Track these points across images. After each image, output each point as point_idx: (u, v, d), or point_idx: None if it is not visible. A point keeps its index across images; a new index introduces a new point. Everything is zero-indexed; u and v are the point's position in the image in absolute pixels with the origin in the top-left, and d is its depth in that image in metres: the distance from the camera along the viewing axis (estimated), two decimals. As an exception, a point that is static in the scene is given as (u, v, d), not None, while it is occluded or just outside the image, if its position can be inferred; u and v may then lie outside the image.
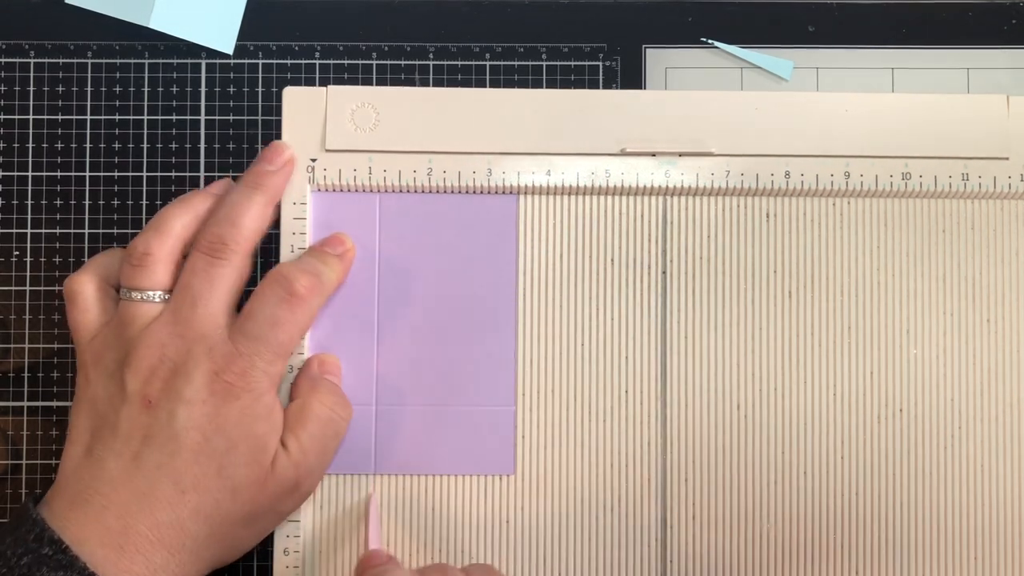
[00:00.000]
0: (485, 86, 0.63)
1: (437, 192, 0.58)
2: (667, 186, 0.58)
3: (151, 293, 0.54)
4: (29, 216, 0.62)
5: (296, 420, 0.55)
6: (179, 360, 0.52)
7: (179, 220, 0.55)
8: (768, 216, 0.58)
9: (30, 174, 0.62)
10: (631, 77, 0.64)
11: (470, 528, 0.57)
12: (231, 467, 0.52)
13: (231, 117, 0.63)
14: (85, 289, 0.55)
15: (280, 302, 0.54)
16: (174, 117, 0.63)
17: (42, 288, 0.62)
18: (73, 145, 0.63)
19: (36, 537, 0.49)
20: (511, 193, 0.58)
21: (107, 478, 0.51)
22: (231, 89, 0.63)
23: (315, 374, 0.57)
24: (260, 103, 0.63)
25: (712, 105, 0.58)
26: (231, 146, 0.63)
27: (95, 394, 0.54)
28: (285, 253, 0.57)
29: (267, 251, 0.61)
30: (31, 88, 0.63)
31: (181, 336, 0.53)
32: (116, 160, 0.63)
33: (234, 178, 0.60)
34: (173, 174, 0.63)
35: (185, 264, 0.55)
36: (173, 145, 0.63)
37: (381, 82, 0.63)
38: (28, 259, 0.62)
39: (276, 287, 0.54)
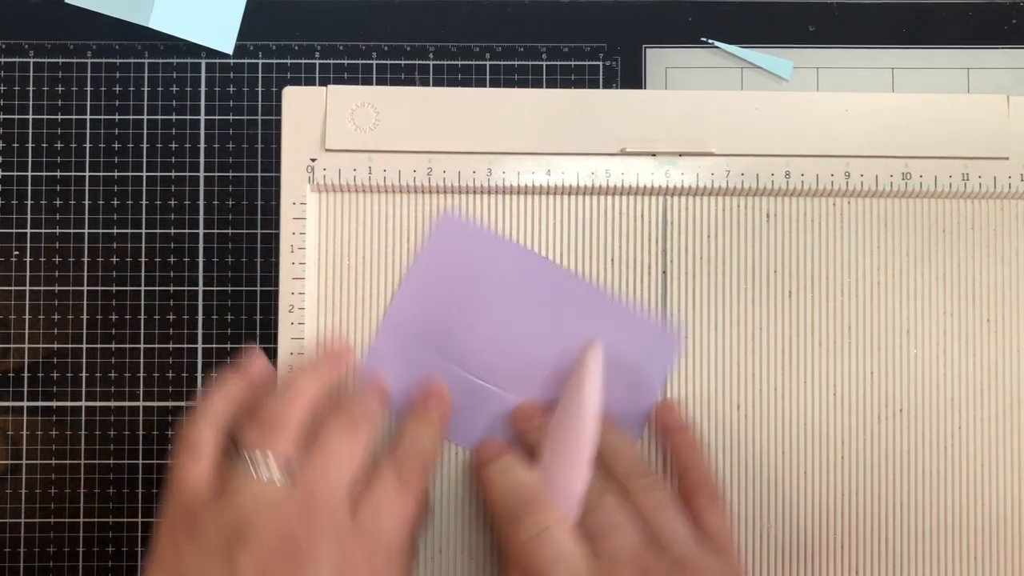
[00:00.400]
0: (485, 86, 0.63)
1: (437, 192, 0.58)
2: (667, 186, 0.57)
3: (277, 459, 0.49)
4: (29, 216, 0.62)
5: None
6: (306, 544, 0.47)
7: (311, 388, 0.53)
8: (768, 216, 0.58)
9: (30, 174, 0.63)
10: (631, 77, 0.64)
11: (469, 526, 0.57)
12: None
13: (231, 117, 0.63)
14: (206, 439, 0.50)
15: (394, 487, 0.51)
16: (174, 117, 0.63)
17: (42, 288, 0.62)
18: (73, 145, 0.63)
19: None
20: (513, 193, 0.58)
21: None
22: (231, 89, 0.63)
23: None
24: (260, 103, 0.63)
25: (712, 105, 0.58)
26: (231, 146, 0.63)
27: (189, 568, 0.47)
28: (284, 252, 0.57)
29: (267, 251, 0.61)
30: (31, 88, 0.63)
31: (310, 517, 0.48)
32: (116, 160, 0.63)
33: (235, 180, 0.60)
34: (173, 174, 0.63)
35: (326, 429, 0.51)
36: (173, 145, 0.63)
37: (381, 82, 0.63)
38: (28, 259, 0.62)
39: (388, 470, 0.52)
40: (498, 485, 0.52)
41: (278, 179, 0.57)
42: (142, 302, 0.62)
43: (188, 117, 0.63)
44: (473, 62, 0.64)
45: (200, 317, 0.62)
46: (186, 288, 0.62)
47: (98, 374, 0.62)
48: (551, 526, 0.49)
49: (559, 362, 0.57)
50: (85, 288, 0.62)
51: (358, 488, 0.51)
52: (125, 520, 0.62)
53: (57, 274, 0.62)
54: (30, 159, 0.63)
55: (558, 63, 0.64)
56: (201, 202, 0.63)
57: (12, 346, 0.62)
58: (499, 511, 0.52)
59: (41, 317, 0.62)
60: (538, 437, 0.54)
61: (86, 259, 0.62)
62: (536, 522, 0.49)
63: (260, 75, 0.63)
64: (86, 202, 0.62)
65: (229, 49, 0.63)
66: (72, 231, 0.62)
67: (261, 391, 0.53)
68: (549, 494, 0.51)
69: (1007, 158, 0.58)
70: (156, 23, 0.61)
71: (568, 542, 0.49)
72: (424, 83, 0.64)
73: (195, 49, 0.63)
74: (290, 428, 0.50)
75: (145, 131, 0.63)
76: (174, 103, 0.63)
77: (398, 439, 0.54)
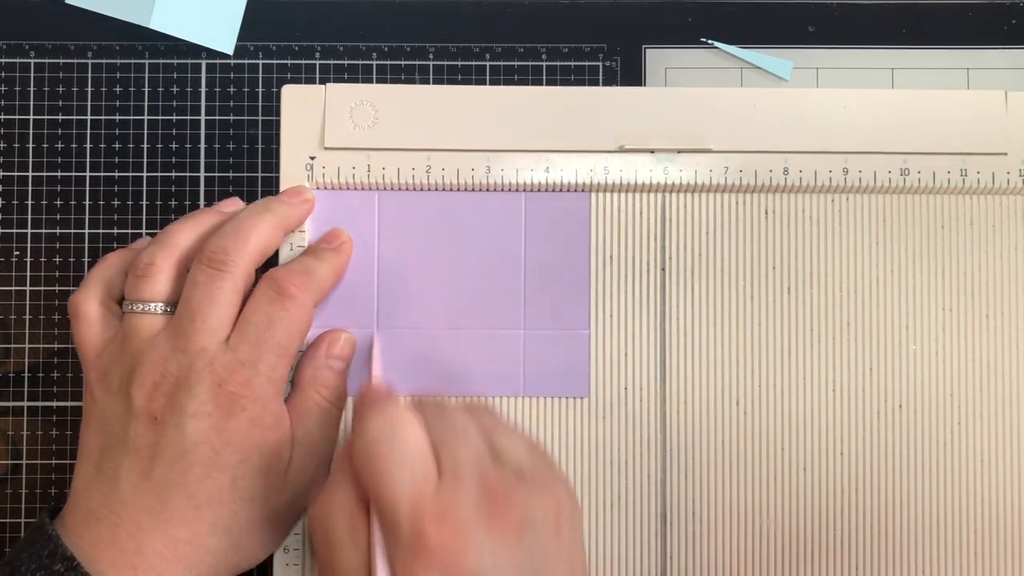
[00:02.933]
0: (485, 86, 0.63)
1: (436, 190, 0.58)
2: (666, 183, 0.57)
3: (154, 305, 0.53)
4: (29, 216, 0.62)
5: (298, 414, 0.54)
6: (181, 374, 0.51)
7: (184, 234, 0.54)
8: (767, 212, 0.58)
9: (30, 174, 0.63)
10: (631, 77, 0.64)
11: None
12: (245, 478, 0.51)
13: (231, 117, 0.63)
14: (89, 305, 0.54)
15: (272, 303, 0.53)
16: (174, 117, 0.63)
17: (42, 288, 0.62)
18: (73, 145, 0.63)
19: (50, 553, 0.48)
20: (515, 191, 0.58)
21: (119, 496, 0.50)
22: (231, 89, 0.63)
23: (319, 361, 0.56)
24: (260, 103, 0.63)
25: (710, 101, 0.58)
26: (231, 146, 0.63)
27: (103, 411, 0.52)
28: (284, 252, 0.57)
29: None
30: (31, 88, 0.63)
31: (182, 350, 0.51)
32: (116, 160, 0.63)
33: (235, 181, 0.60)
34: (173, 174, 0.63)
35: (188, 277, 0.53)
36: (173, 145, 0.63)
37: (381, 82, 0.64)
38: (28, 259, 0.62)
39: (268, 289, 0.53)
40: (364, 406, 0.50)
41: (278, 179, 0.58)
42: (142, 302, 0.62)
43: (188, 117, 0.63)
44: (473, 62, 0.64)
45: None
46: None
47: (98, 374, 0.62)
48: (399, 422, 0.46)
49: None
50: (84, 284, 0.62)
51: (233, 311, 0.53)
52: (125, 520, 0.62)
53: (57, 274, 0.62)
54: (30, 159, 0.63)
55: (558, 63, 0.64)
56: (201, 202, 0.63)
57: (12, 346, 0.62)
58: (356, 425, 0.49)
59: (41, 317, 0.62)
60: None
61: (86, 259, 0.62)
62: (384, 416, 0.46)
63: (260, 75, 0.63)
64: (86, 202, 0.63)
65: (229, 49, 0.63)
66: (72, 231, 0.62)
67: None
68: None
69: (1005, 154, 0.58)
70: (156, 23, 0.61)
71: (419, 438, 0.46)
72: (424, 83, 0.64)
73: (195, 49, 0.63)
74: (163, 272, 0.53)
75: (145, 131, 0.63)
76: (174, 103, 0.63)
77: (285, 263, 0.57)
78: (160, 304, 0.53)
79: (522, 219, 0.58)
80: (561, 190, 0.58)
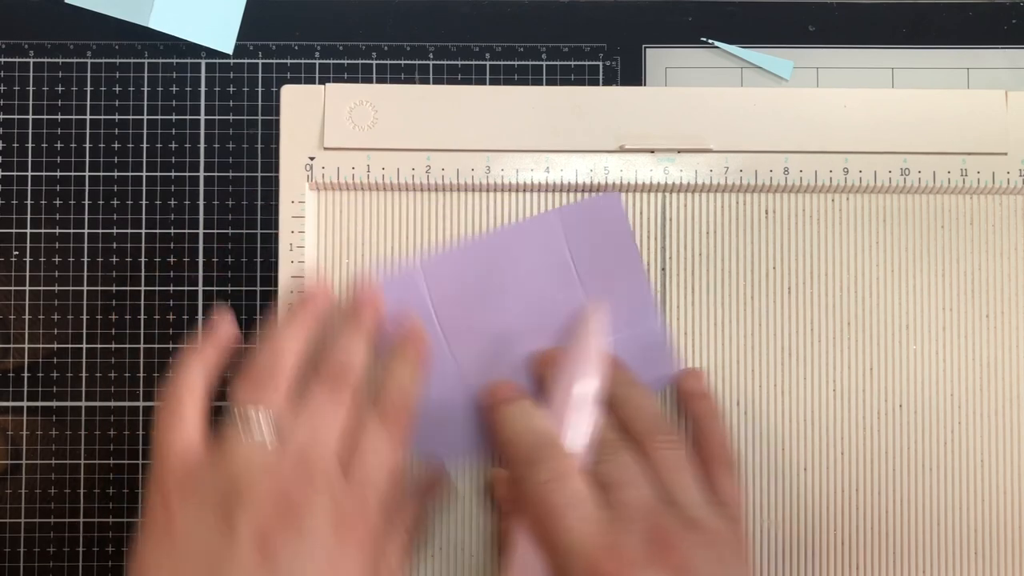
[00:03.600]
0: (485, 86, 0.63)
1: (436, 190, 0.58)
2: (666, 183, 0.57)
3: (267, 415, 0.49)
4: (29, 216, 0.62)
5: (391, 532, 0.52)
6: (302, 499, 0.47)
7: (292, 346, 0.52)
8: (767, 212, 0.58)
9: (30, 174, 0.63)
10: (631, 77, 0.64)
11: (468, 525, 0.57)
12: None
13: (231, 117, 0.63)
14: (188, 403, 0.50)
15: (382, 435, 0.52)
16: (174, 117, 0.63)
17: (41, 288, 0.62)
18: (73, 145, 0.63)
19: None
20: (511, 190, 0.58)
21: None
22: (231, 89, 0.63)
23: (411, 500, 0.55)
24: (260, 103, 0.63)
25: (710, 101, 0.58)
26: (231, 146, 0.63)
27: (184, 530, 0.47)
28: (284, 252, 0.57)
29: (267, 251, 0.61)
30: (31, 88, 0.63)
31: (304, 474, 0.48)
32: (116, 160, 0.63)
33: (235, 181, 0.60)
34: (173, 174, 0.63)
35: (310, 392, 0.51)
36: (173, 145, 0.63)
37: (381, 82, 0.64)
38: (28, 259, 0.62)
39: (380, 424, 0.52)
40: (514, 428, 0.53)
41: (278, 179, 0.57)
42: (142, 302, 0.62)
43: (188, 117, 0.63)
44: (473, 62, 0.64)
45: (200, 317, 0.62)
46: (186, 288, 0.62)
47: (98, 374, 0.62)
48: (567, 472, 0.50)
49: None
50: (85, 288, 0.62)
51: (347, 441, 0.51)
52: (125, 520, 0.62)
53: (57, 274, 0.62)
54: (30, 159, 0.63)
55: (558, 63, 0.64)
56: (201, 202, 0.63)
57: (12, 346, 0.62)
58: (514, 453, 0.52)
59: (41, 317, 0.62)
60: (551, 383, 0.54)
61: (86, 259, 0.62)
62: (553, 468, 0.49)
63: (260, 75, 0.64)
64: (86, 202, 0.63)
65: (229, 49, 0.63)
66: (72, 231, 0.62)
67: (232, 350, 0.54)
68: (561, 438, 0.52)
69: (1005, 153, 0.58)
70: (156, 23, 0.61)
71: (583, 489, 0.49)
72: (424, 83, 0.64)
73: (195, 49, 0.63)
74: (279, 382, 0.50)
75: (145, 131, 0.63)
76: (174, 103, 0.63)
77: (381, 385, 0.54)
78: (273, 414, 0.49)
79: (563, 239, 0.58)
80: (561, 190, 0.58)
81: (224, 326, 0.54)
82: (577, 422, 0.52)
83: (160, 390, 0.53)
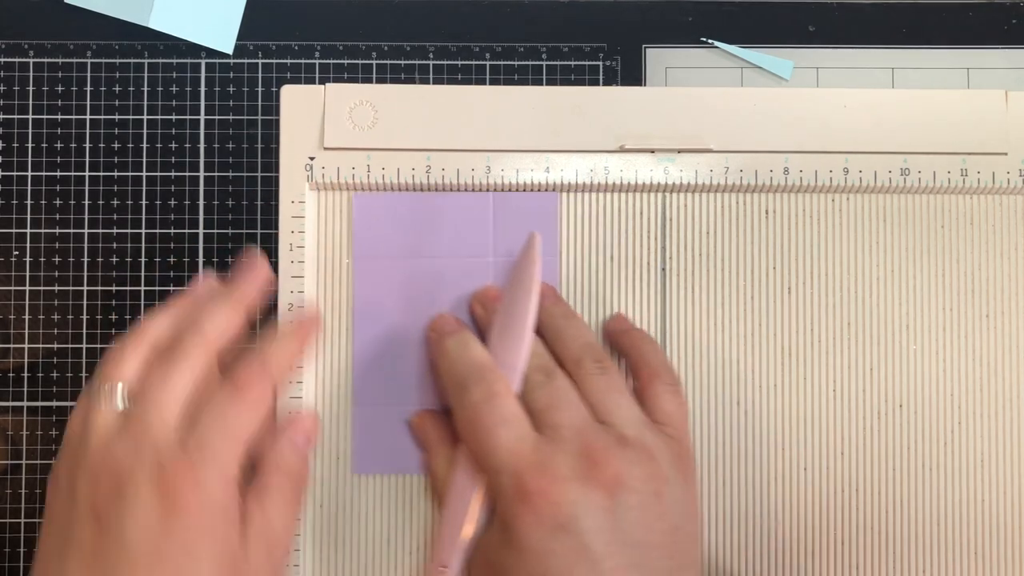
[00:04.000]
0: (485, 86, 0.63)
1: (436, 190, 0.58)
2: (666, 183, 0.57)
3: (119, 386, 0.49)
4: (29, 216, 0.63)
5: (259, 502, 0.51)
6: (126, 466, 0.47)
7: (155, 323, 0.52)
8: (767, 212, 0.58)
9: (30, 174, 0.63)
10: (631, 77, 0.64)
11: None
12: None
13: (231, 117, 0.63)
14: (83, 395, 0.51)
15: (227, 397, 0.50)
16: (174, 117, 0.63)
17: (42, 288, 0.62)
18: (73, 145, 0.63)
19: None
20: (510, 190, 0.58)
21: None
22: (231, 89, 0.63)
23: (283, 445, 0.54)
24: (260, 103, 0.63)
25: (710, 101, 0.58)
26: (231, 146, 0.63)
27: (51, 507, 0.49)
28: (284, 252, 0.57)
29: (267, 251, 0.61)
30: (31, 88, 0.63)
31: (131, 439, 0.48)
32: (116, 160, 0.63)
33: (235, 181, 0.60)
34: (173, 174, 0.63)
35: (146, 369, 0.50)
36: (173, 145, 0.63)
37: (381, 82, 0.64)
38: (28, 259, 0.62)
39: (224, 382, 0.51)
40: (454, 357, 0.53)
41: (278, 179, 0.57)
42: (142, 302, 0.62)
43: (188, 117, 0.63)
44: (473, 62, 0.64)
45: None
46: (186, 288, 0.62)
47: (98, 374, 0.62)
48: (500, 392, 0.50)
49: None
50: (85, 288, 0.62)
51: (192, 410, 0.50)
52: (125, 520, 0.62)
53: (57, 274, 0.62)
54: (30, 159, 0.63)
55: (558, 63, 0.64)
56: (201, 202, 0.63)
57: (12, 346, 0.62)
58: (452, 380, 0.53)
59: (41, 317, 0.62)
60: (489, 319, 0.56)
61: (86, 259, 0.62)
62: (485, 388, 0.50)
63: (260, 75, 0.64)
64: (86, 202, 0.63)
65: (229, 49, 0.63)
66: (72, 231, 0.62)
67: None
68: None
69: (1005, 153, 0.58)
70: (156, 23, 0.61)
71: (516, 410, 0.50)
72: (424, 83, 0.64)
73: (195, 49, 0.63)
74: (139, 355, 0.50)
75: (145, 131, 0.63)
76: (174, 103, 0.63)
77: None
78: (119, 385, 0.50)
79: (490, 218, 0.58)
80: (561, 190, 0.58)
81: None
82: (512, 350, 0.53)
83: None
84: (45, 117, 0.63)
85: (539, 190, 0.58)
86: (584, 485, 0.48)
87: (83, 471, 0.48)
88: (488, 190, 0.58)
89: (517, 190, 0.58)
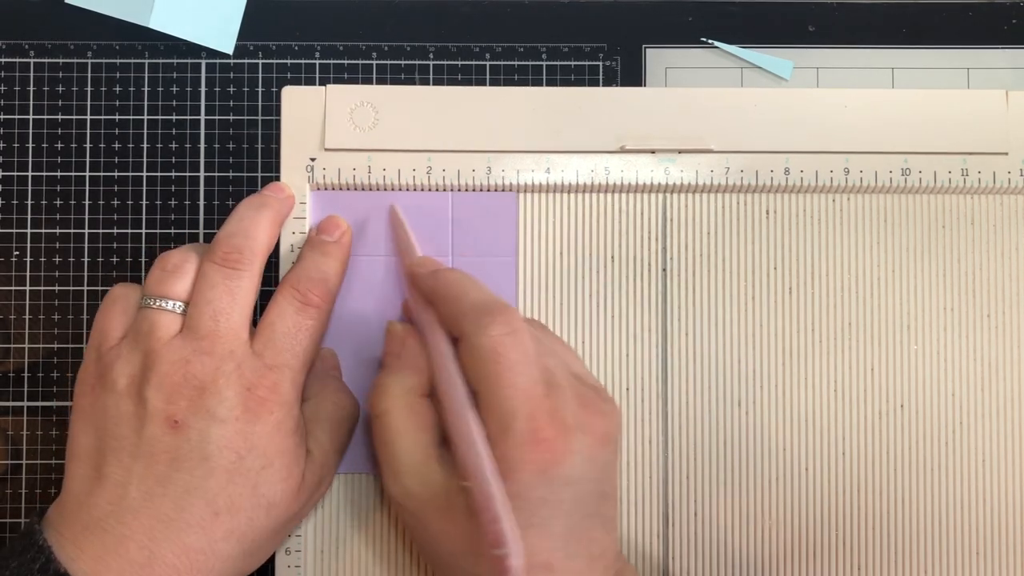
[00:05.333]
0: (485, 86, 0.63)
1: (436, 190, 0.58)
2: (667, 183, 0.57)
3: (174, 303, 0.51)
4: (29, 216, 0.62)
5: (313, 421, 0.54)
6: (207, 378, 0.50)
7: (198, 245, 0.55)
8: (768, 212, 0.58)
9: (30, 174, 0.63)
10: (631, 77, 0.64)
11: (470, 527, 0.57)
12: (266, 484, 0.50)
13: (231, 117, 0.63)
14: (121, 293, 0.53)
15: (298, 313, 0.53)
16: (174, 117, 0.63)
17: (42, 288, 0.62)
18: (73, 145, 0.63)
19: (42, 567, 0.46)
20: (511, 190, 0.58)
21: (128, 504, 0.48)
22: (231, 89, 0.63)
23: (320, 372, 0.56)
24: (260, 103, 0.63)
25: (711, 102, 0.58)
26: (231, 146, 0.63)
27: (105, 410, 0.50)
28: (284, 252, 0.57)
29: (267, 251, 0.61)
30: (31, 88, 0.63)
31: (208, 352, 0.50)
32: (116, 160, 0.63)
33: (235, 181, 0.60)
34: (173, 174, 0.63)
35: (200, 277, 0.52)
36: (173, 145, 0.63)
37: (381, 82, 0.64)
38: (28, 259, 0.62)
39: (292, 299, 0.53)
40: (465, 287, 0.52)
41: (278, 179, 0.57)
42: (142, 302, 0.62)
43: (188, 117, 0.63)
44: (473, 62, 0.64)
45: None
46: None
47: (98, 374, 0.62)
48: (522, 328, 0.49)
49: None
50: (85, 288, 0.62)
51: (252, 316, 0.53)
52: (125, 520, 0.61)
53: (57, 274, 0.62)
54: (30, 159, 0.63)
55: (558, 63, 0.64)
56: (201, 202, 0.63)
57: (12, 346, 0.62)
58: (461, 309, 0.51)
59: (41, 317, 0.62)
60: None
61: (86, 259, 0.62)
62: (508, 322, 0.49)
63: (260, 75, 0.63)
64: (86, 202, 0.63)
65: (229, 49, 0.63)
66: (72, 231, 0.62)
67: None
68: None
69: (1006, 153, 0.58)
70: (156, 23, 0.61)
71: (533, 348, 0.50)
72: (424, 83, 0.64)
73: (195, 49, 0.63)
74: (187, 271, 0.53)
75: (145, 131, 0.63)
76: (174, 103, 0.63)
77: (296, 267, 0.56)
78: (179, 303, 0.52)
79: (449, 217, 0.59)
80: (561, 191, 0.58)
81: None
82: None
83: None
84: (45, 117, 0.63)
85: (539, 191, 0.58)
86: (585, 435, 0.48)
87: (154, 379, 0.50)
88: (489, 190, 0.58)
89: (518, 191, 0.58)
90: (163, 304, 0.51)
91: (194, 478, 0.49)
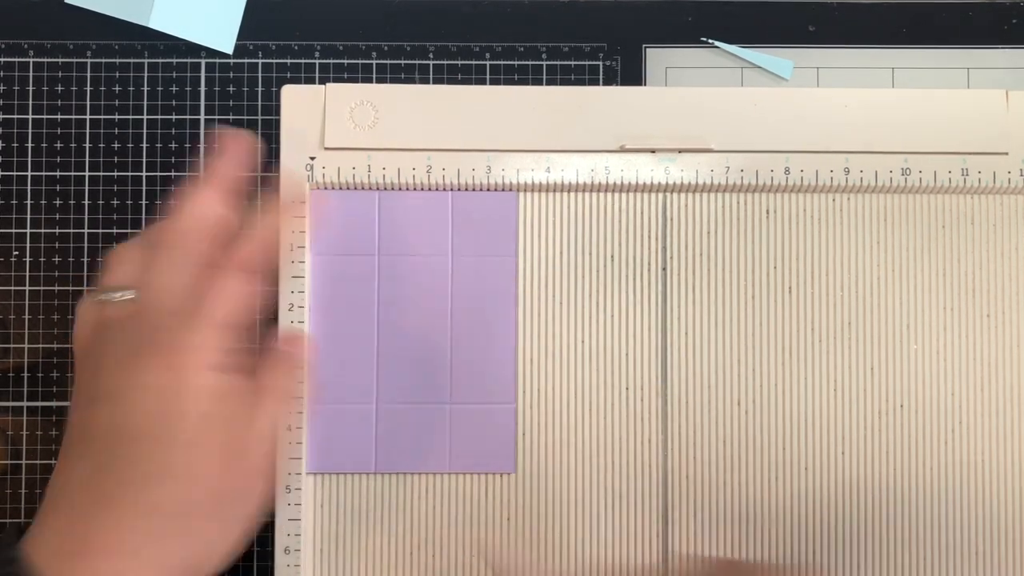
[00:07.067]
0: (485, 86, 0.63)
1: (436, 190, 0.58)
2: (667, 182, 0.58)
3: (120, 293, 0.52)
4: (29, 216, 0.62)
5: (260, 400, 0.53)
6: (141, 347, 0.50)
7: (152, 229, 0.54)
8: (768, 212, 0.58)
9: (30, 174, 0.63)
10: (631, 77, 0.64)
11: (470, 527, 0.57)
12: (198, 457, 0.50)
13: (231, 117, 0.63)
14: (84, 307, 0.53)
15: (230, 282, 0.52)
16: (174, 117, 0.63)
17: (42, 288, 0.62)
18: (73, 145, 0.63)
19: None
20: (510, 190, 0.58)
21: (74, 484, 0.49)
22: (231, 89, 0.63)
23: (277, 349, 0.56)
24: (260, 103, 0.63)
25: (711, 101, 0.58)
26: (231, 146, 0.63)
27: (72, 412, 0.52)
28: (284, 251, 0.57)
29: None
30: (31, 88, 0.63)
31: (144, 324, 0.50)
32: (116, 160, 0.63)
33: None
34: (173, 174, 0.63)
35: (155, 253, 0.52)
36: (173, 145, 0.63)
37: (381, 82, 0.64)
38: (28, 259, 0.62)
39: (224, 269, 0.52)
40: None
41: (278, 179, 0.57)
42: (142, 302, 0.62)
43: (188, 117, 0.63)
44: (473, 62, 0.64)
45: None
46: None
47: (98, 374, 0.62)
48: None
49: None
50: (85, 288, 0.62)
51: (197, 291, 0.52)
52: (125, 520, 0.61)
53: (57, 274, 0.62)
54: (30, 159, 0.63)
55: (558, 63, 0.64)
56: (201, 202, 0.63)
57: (12, 346, 0.62)
58: None
59: (41, 317, 0.62)
60: None
61: (86, 259, 0.62)
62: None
63: (260, 75, 0.63)
64: (86, 202, 0.63)
65: (229, 49, 0.63)
66: (72, 231, 0.62)
67: None
68: None
69: (1006, 153, 0.58)
70: (156, 23, 0.61)
71: None
72: (424, 83, 0.64)
73: (195, 49, 0.63)
74: (132, 261, 0.53)
75: (145, 131, 0.63)
76: (174, 103, 0.63)
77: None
78: (130, 291, 0.52)
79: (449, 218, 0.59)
80: (561, 190, 0.58)
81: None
82: None
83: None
84: (45, 117, 0.63)
85: (539, 190, 0.58)
86: None
87: (92, 360, 0.51)
88: (489, 189, 0.58)
89: (517, 190, 0.58)
90: (110, 296, 0.52)
91: (129, 450, 0.49)
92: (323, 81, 0.63)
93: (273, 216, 0.55)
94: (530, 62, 0.64)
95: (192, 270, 0.52)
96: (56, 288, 0.62)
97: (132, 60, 0.63)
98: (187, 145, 0.63)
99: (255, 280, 0.53)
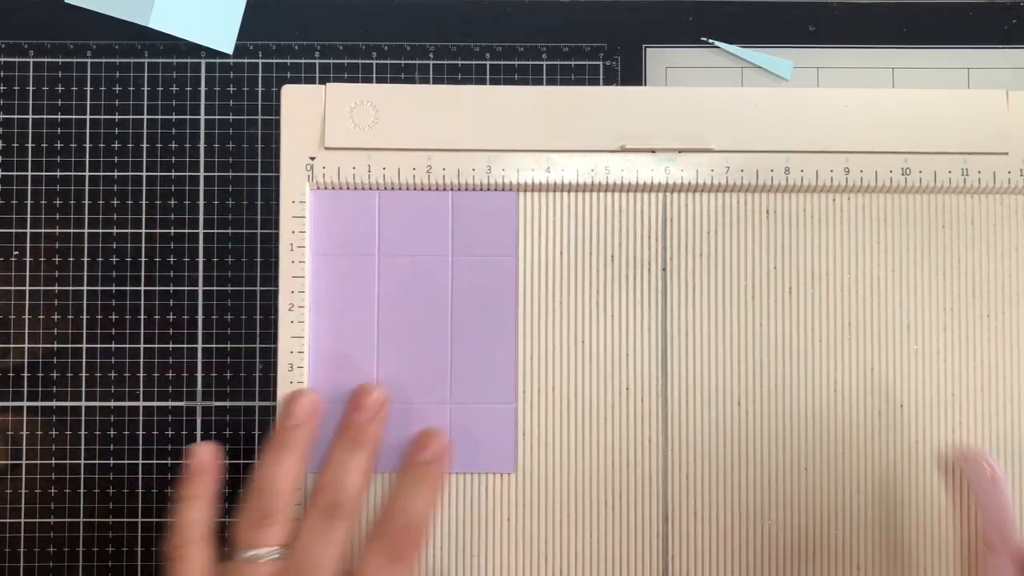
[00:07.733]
0: (485, 85, 0.63)
1: (436, 190, 0.58)
2: (667, 182, 0.58)
3: (267, 551, 0.52)
4: (29, 216, 0.62)
5: None
6: None
7: (283, 480, 0.54)
8: (768, 212, 0.58)
9: (30, 174, 0.62)
10: (631, 77, 0.64)
11: (470, 526, 0.57)
12: None
13: (231, 117, 0.63)
14: (192, 552, 0.53)
15: (386, 572, 0.53)
16: (174, 117, 0.63)
17: (41, 288, 0.62)
18: (73, 145, 0.63)
19: None
20: (510, 190, 0.58)
21: None
22: (231, 89, 0.63)
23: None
24: (260, 103, 0.63)
25: (711, 101, 0.58)
26: (231, 146, 0.63)
27: None
28: (284, 251, 0.57)
29: (266, 251, 0.61)
30: (31, 88, 0.63)
31: None
32: (116, 160, 0.63)
33: (235, 180, 0.60)
34: (173, 174, 0.63)
35: (303, 524, 0.54)
36: (173, 145, 0.63)
37: (381, 81, 0.63)
38: (28, 259, 0.62)
39: (381, 555, 0.53)
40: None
41: (278, 179, 0.58)
42: (142, 302, 0.62)
43: (188, 117, 0.63)
44: (473, 62, 0.64)
45: (200, 317, 0.62)
46: (186, 288, 0.62)
47: (98, 374, 0.62)
48: None
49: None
50: (85, 288, 0.62)
51: (347, 567, 0.53)
52: (125, 520, 0.61)
53: (57, 274, 0.62)
54: (30, 159, 0.63)
55: (558, 63, 0.64)
56: (201, 202, 0.63)
57: (12, 346, 0.62)
58: None
59: (41, 317, 0.62)
60: None
61: (86, 259, 0.62)
62: None
63: (260, 75, 0.63)
64: (86, 202, 0.62)
65: (229, 49, 0.63)
66: (72, 231, 0.62)
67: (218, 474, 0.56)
68: None
69: (1006, 153, 0.58)
70: (156, 23, 0.61)
71: None
72: (424, 83, 0.64)
73: (195, 49, 0.63)
74: (275, 518, 0.53)
75: (145, 131, 0.63)
76: (174, 103, 0.63)
77: (388, 506, 0.55)
78: (277, 550, 0.53)
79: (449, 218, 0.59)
80: (561, 190, 0.58)
81: (208, 460, 0.56)
82: None
83: (165, 538, 0.55)
84: (45, 117, 0.63)
85: (539, 190, 0.58)
86: None
87: None
88: (489, 189, 0.58)
89: (518, 190, 0.58)
90: (260, 556, 0.52)
91: None
92: (323, 81, 0.63)
93: (423, 489, 0.56)
94: (530, 62, 0.64)
95: (348, 542, 0.54)
96: (56, 288, 0.62)
97: (132, 60, 0.63)
98: (187, 145, 0.63)
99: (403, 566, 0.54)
